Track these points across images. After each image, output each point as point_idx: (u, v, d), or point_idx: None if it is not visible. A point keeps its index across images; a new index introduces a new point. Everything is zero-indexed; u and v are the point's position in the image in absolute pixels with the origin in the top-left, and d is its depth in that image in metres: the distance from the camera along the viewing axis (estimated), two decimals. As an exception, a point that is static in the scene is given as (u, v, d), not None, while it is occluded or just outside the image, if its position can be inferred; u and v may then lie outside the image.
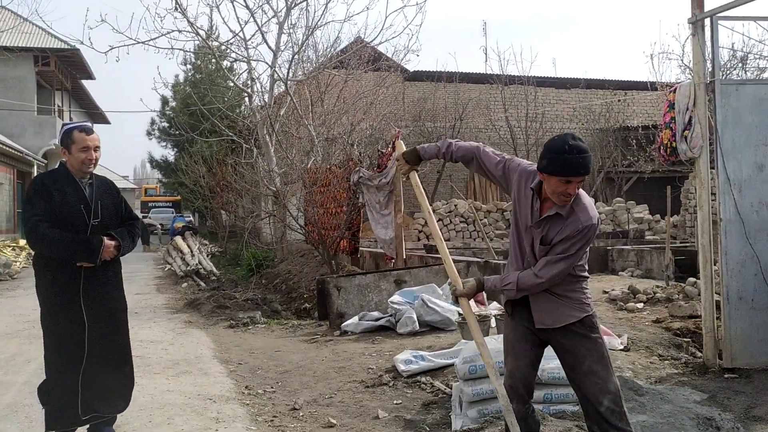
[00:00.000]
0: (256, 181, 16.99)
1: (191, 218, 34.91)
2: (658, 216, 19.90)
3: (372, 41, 18.72)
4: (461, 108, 25.59)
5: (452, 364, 5.35)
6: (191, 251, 19.10)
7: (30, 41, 28.34)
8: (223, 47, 19.05)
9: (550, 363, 4.24)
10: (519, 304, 3.45)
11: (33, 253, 4.21)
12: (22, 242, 21.21)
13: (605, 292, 8.60)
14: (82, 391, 4.00)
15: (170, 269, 18.00)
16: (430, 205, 19.38)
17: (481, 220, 17.66)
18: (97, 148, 4.13)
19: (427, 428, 4.62)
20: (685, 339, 6.43)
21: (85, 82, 35.10)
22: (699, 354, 6.01)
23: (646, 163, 22.64)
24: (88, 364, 4.01)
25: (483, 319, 6.20)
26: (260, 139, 18.19)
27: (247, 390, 5.74)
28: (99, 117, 39.76)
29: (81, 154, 4.07)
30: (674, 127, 5.82)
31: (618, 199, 21.81)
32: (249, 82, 19.22)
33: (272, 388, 5.83)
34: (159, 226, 28.62)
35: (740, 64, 19.75)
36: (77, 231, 4.03)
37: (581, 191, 3.27)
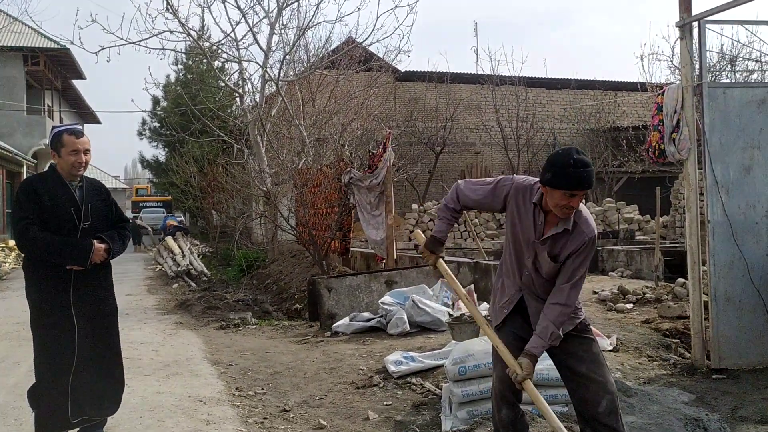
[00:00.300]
0: (247, 181, 17.00)
1: (182, 218, 34.85)
2: (648, 216, 19.97)
3: (363, 42, 18.77)
4: (452, 108, 25.65)
5: (442, 365, 5.38)
6: (182, 252, 19.07)
7: (20, 41, 28.19)
8: (215, 48, 19.04)
9: (539, 364, 4.26)
10: (511, 313, 3.48)
11: (23, 255, 4.21)
12: (12, 243, 21.11)
13: (595, 293, 8.64)
14: (72, 394, 3.99)
15: (161, 270, 17.96)
16: (421, 205, 19.36)
17: (471, 220, 17.70)
18: (87, 151, 4.12)
19: (417, 429, 4.63)
20: (673, 340, 6.47)
21: (76, 82, 34.96)
22: (687, 355, 6.05)
23: (636, 164, 22.75)
24: (77, 367, 4.01)
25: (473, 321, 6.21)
26: (251, 140, 18.19)
27: (238, 391, 5.75)
28: (90, 117, 39.61)
29: (71, 157, 4.06)
30: (662, 130, 5.87)
31: (608, 199, 21.89)
32: (240, 82, 19.23)
33: (263, 389, 5.83)
34: (149, 229, 28.58)
35: (729, 66, 19.86)
36: (67, 234, 4.03)
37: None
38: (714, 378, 5.53)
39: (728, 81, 19.85)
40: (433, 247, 3.59)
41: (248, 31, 18.06)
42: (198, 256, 19.48)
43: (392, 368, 5.83)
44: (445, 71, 26.17)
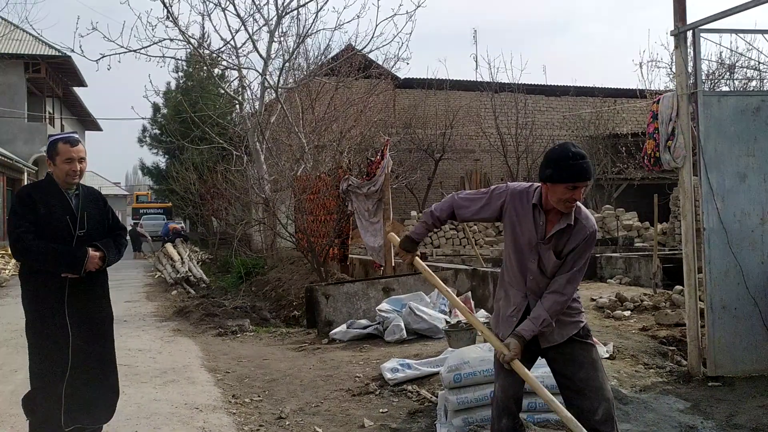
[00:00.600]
0: (246, 188, 17.00)
1: (182, 224, 34.87)
2: (647, 223, 19.95)
3: (362, 49, 18.82)
4: (452, 115, 25.67)
5: (439, 373, 5.38)
6: (181, 258, 19.09)
7: (21, 48, 28.28)
8: (215, 55, 19.11)
9: (536, 371, 4.26)
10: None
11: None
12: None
13: (593, 300, 8.64)
14: (66, 402, 3.99)
15: (160, 276, 17.96)
16: (420, 212, 19.34)
17: (470, 227, 17.68)
18: (82, 160, 4.12)
19: (413, 437, 4.64)
20: (670, 347, 6.46)
21: (77, 89, 35.03)
22: (684, 362, 6.05)
23: (635, 171, 22.72)
24: (71, 375, 4.00)
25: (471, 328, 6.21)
26: (251, 147, 18.22)
27: (234, 399, 5.75)
28: (91, 124, 39.68)
29: (65, 166, 4.07)
30: (658, 138, 5.89)
31: (607, 206, 21.86)
32: (240, 89, 19.30)
33: (259, 396, 5.83)
34: (149, 237, 28.61)
35: (728, 74, 19.90)
36: (63, 242, 4.03)
37: None
38: (710, 385, 5.53)
39: (727, 89, 19.89)
40: (408, 246, 3.68)
41: (248, 39, 18.17)
42: (197, 263, 19.50)
43: (388, 375, 5.83)
44: (444, 78, 26.20)
